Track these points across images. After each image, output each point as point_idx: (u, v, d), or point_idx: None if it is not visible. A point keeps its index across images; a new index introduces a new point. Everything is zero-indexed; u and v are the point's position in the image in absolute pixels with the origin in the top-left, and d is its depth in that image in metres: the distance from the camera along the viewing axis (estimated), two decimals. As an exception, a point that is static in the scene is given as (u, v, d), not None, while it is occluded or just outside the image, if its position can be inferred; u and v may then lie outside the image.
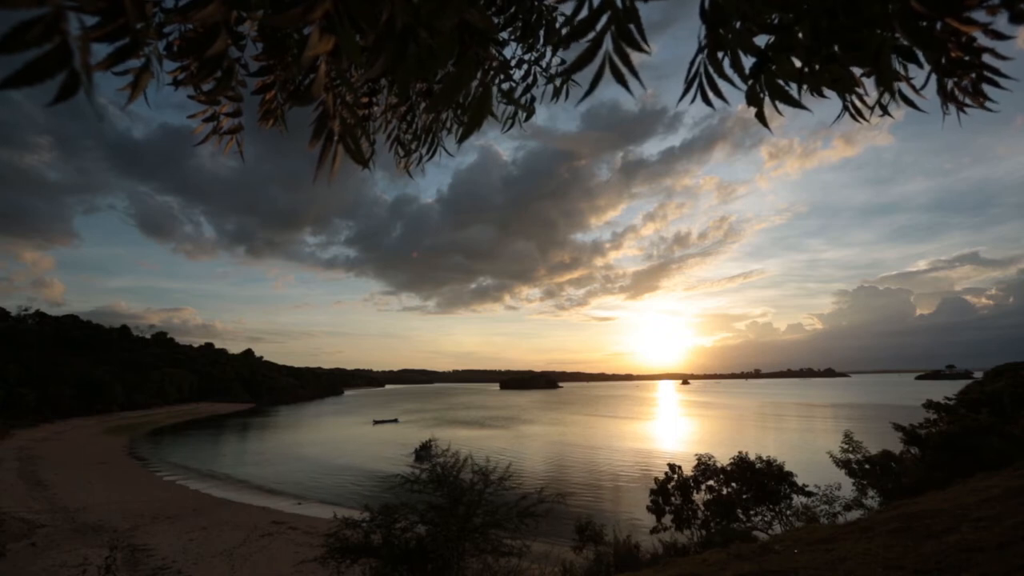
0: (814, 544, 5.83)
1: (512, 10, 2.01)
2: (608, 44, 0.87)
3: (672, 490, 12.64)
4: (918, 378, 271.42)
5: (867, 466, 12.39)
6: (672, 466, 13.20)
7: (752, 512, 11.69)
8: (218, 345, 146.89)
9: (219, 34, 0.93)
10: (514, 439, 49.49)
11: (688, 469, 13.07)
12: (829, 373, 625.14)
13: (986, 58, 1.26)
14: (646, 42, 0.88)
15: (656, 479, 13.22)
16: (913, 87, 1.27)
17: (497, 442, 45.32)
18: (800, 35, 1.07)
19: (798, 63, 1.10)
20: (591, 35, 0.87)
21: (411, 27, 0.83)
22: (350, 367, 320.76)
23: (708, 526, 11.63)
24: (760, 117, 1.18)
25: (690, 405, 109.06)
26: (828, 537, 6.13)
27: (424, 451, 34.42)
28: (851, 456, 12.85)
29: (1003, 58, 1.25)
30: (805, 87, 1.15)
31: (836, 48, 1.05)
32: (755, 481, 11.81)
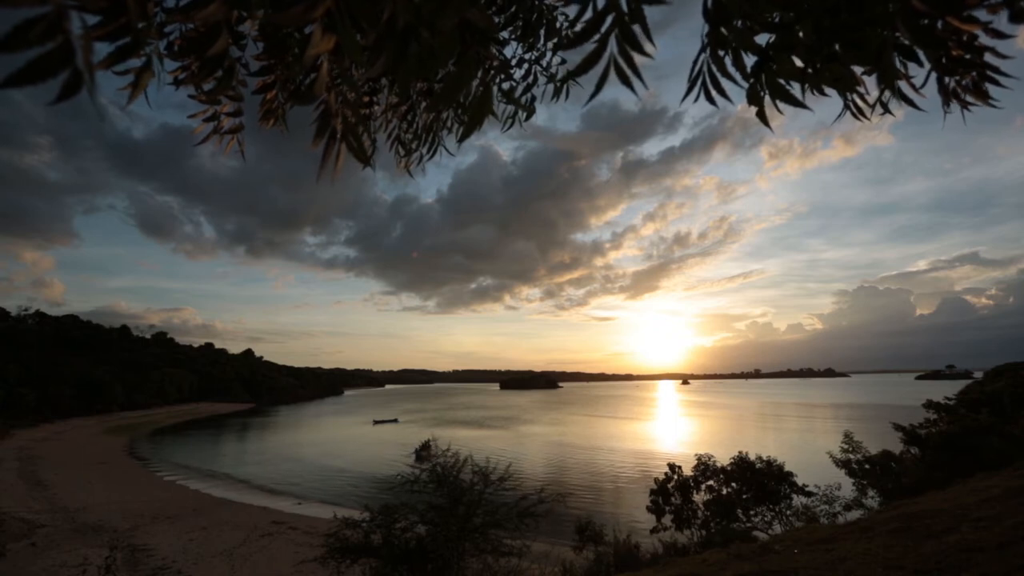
0: (814, 544, 5.83)
1: (513, 9, 2.02)
2: (613, 47, 0.87)
3: (672, 490, 12.64)
4: (918, 378, 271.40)
5: (867, 466, 12.39)
6: (672, 466, 13.20)
7: (752, 512, 11.68)
8: (218, 345, 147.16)
9: (220, 34, 0.93)
10: (514, 439, 49.46)
11: (688, 469, 13.07)
12: (829, 373, 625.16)
13: (987, 57, 1.26)
14: (652, 44, 0.88)
15: (656, 479, 13.22)
16: (913, 86, 1.27)
17: (497, 442, 45.30)
18: (801, 34, 1.07)
19: (799, 62, 1.10)
20: (596, 37, 0.87)
21: (412, 26, 0.83)
22: (350, 367, 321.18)
23: (708, 526, 11.63)
24: (761, 116, 1.18)
25: (690, 405, 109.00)
26: (828, 537, 6.13)
27: (424, 451, 34.37)
28: (851, 456, 12.85)
29: (1004, 57, 1.25)
30: (806, 86, 1.15)
31: (837, 47, 1.05)
32: (755, 481, 11.81)
